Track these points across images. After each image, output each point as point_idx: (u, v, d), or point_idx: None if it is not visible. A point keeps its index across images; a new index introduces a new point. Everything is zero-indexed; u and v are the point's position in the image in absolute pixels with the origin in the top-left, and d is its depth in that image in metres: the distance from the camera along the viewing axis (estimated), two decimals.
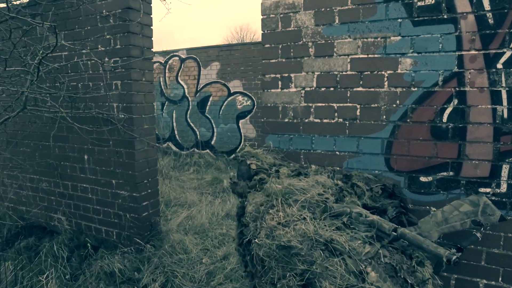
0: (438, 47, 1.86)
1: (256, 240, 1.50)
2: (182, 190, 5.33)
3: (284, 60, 2.28)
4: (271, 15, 2.28)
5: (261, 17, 2.31)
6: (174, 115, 8.70)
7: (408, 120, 1.97)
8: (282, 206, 1.54)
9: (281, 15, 2.25)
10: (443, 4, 1.82)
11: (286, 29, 2.25)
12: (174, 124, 8.74)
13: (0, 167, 3.94)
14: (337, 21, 2.09)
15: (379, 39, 1.99)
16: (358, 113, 2.09)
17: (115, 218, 3.32)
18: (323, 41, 2.14)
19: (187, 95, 8.43)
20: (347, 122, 2.13)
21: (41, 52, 2.26)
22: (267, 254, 1.42)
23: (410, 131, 1.97)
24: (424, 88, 1.92)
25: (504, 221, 1.68)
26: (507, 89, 1.74)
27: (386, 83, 2.00)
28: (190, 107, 8.42)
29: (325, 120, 2.19)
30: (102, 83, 3.13)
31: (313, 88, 2.21)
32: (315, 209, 1.54)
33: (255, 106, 7.57)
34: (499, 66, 1.74)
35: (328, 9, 2.10)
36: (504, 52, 1.73)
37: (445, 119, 1.89)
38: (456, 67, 1.83)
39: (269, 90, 2.35)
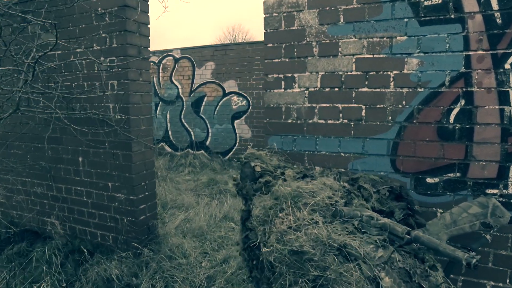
0: (445, 47, 1.84)
1: (266, 245, 1.45)
2: (179, 192, 5.25)
3: (287, 60, 2.24)
4: (274, 14, 2.24)
5: (264, 15, 2.27)
6: (168, 115, 8.58)
7: (414, 121, 1.95)
8: (292, 209, 1.49)
9: (285, 14, 2.20)
10: (450, 4, 1.80)
11: (290, 28, 2.20)
12: (168, 124, 8.62)
13: None
14: (342, 20, 2.05)
15: (385, 38, 1.97)
16: (363, 114, 2.06)
17: (111, 222, 3.23)
18: (328, 41, 2.11)
19: (182, 95, 8.32)
20: (352, 123, 2.09)
21: (35, 50, 2.17)
22: (278, 259, 1.37)
23: (416, 132, 1.95)
24: (430, 89, 1.89)
25: None
26: None
27: (392, 84, 1.98)
28: (185, 107, 8.31)
29: (329, 121, 2.16)
30: (98, 83, 3.04)
31: (317, 89, 2.17)
32: (325, 212, 1.50)
33: (250, 107, 7.51)
34: (507, 66, 1.73)
35: (332, 8, 2.06)
36: None
37: (452, 119, 1.87)
38: (463, 67, 1.82)
39: (272, 91, 2.30)
